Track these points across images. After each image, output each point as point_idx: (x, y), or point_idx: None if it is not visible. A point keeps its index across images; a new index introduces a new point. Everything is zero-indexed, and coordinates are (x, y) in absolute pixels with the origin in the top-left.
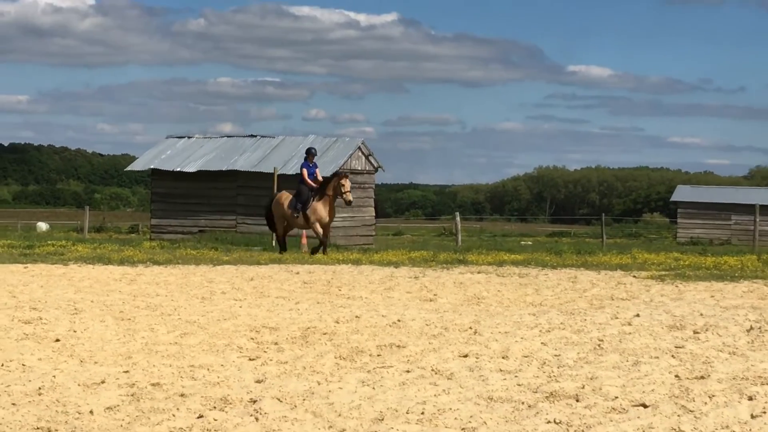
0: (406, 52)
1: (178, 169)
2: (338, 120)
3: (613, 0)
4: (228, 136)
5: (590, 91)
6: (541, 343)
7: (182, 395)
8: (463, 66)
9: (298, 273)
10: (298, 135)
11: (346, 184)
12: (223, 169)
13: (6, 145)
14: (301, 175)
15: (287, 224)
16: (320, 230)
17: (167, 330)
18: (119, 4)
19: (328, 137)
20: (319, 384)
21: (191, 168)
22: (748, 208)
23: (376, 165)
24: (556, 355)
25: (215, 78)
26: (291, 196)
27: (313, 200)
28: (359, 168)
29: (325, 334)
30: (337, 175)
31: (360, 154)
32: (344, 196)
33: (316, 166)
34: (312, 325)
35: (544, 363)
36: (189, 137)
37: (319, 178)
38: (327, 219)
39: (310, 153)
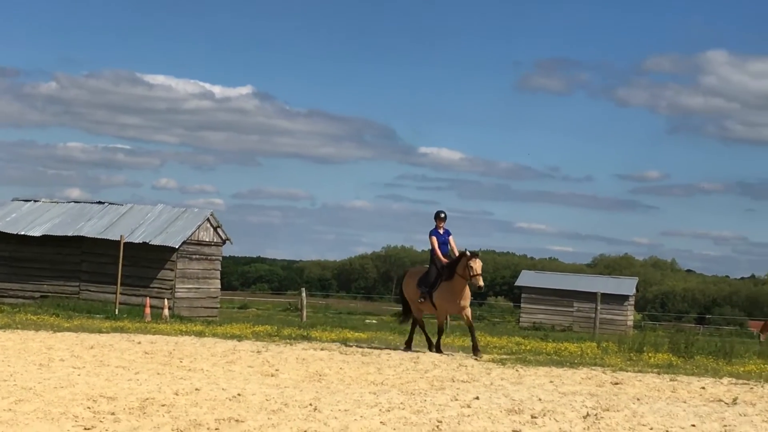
0: (259, 126)
1: (23, 233)
2: (188, 190)
3: (466, 85)
4: (75, 202)
5: (441, 173)
6: (380, 422)
7: None
8: (316, 142)
9: (139, 343)
10: (147, 203)
11: (476, 266)
12: (69, 234)
13: None
14: (431, 246)
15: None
16: (442, 320)
17: (1, 396)
18: None
19: (177, 207)
20: None
21: (36, 232)
22: (589, 296)
23: (224, 237)
24: None
25: (65, 142)
26: (420, 274)
27: (441, 281)
28: (207, 239)
29: (163, 405)
30: (465, 255)
31: (208, 225)
32: (473, 280)
33: (448, 233)
34: (151, 396)
35: None
36: (35, 201)
37: (454, 247)
38: (455, 307)
39: (438, 217)
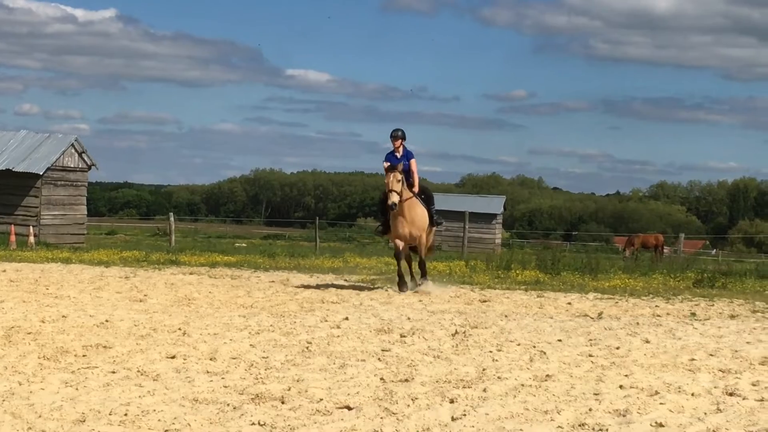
0: (123, 49)
1: None
2: (52, 116)
3: (333, 6)
4: None
5: (308, 95)
6: (250, 345)
7: None
8: (182, 66)
9: (4, 271)
10: (9, 130)
11: (388, 180)
12: None
13: None
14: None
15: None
16: (398, 247)
17: None
18: None
19: (41, 133)
20: (20, 384)
21: None
22: (458, 215)
23: (89, 163)
24: (264, 357)
25: None
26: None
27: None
28: (72, 165)
29: (29, 333)
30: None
31: (73, 151)
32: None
33: (409, 156)
34: (17, 325)
35: (252, 365)
36: None
37: (414, 172)
38: (404, 232)
39: (392, 136)
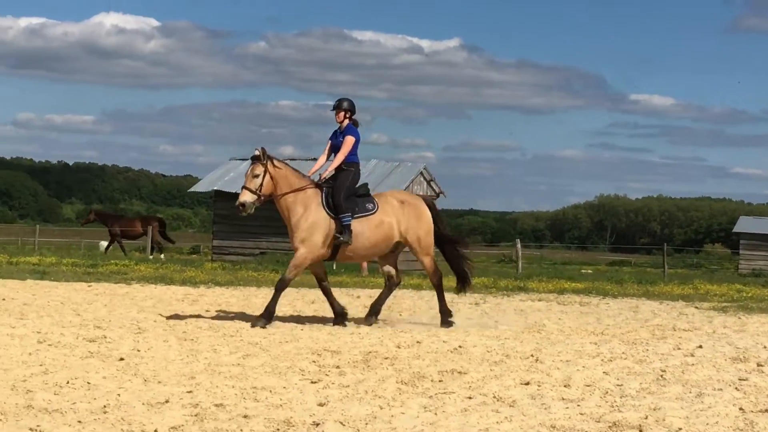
0: (467, 78)
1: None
2: (399, 144)
3: (676, 30)
4: (290, 159)
5: (652, 120)
6: (603, 372)
7: (245, 416)
8: (525, 93)
9: (359, 297)
10: (361, 158)
11: (247, 172)
12: None
13: (71, 164)
14: None
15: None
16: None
17: (230, 351)
18: (183, 26)
19: (391, 162)
20: (381, 408)
21: None
22: None
23: (437, 190)
24: (618, 385)
25: (276, 101)
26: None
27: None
28: (421, 193)
29: (386, 358)
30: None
31: (422, 179)
32: None
33: (349, 134)
34: (373, 350)
35: (607, 392)
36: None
37: (342, 152)
38: (295, 244)
39: (335, 107)
